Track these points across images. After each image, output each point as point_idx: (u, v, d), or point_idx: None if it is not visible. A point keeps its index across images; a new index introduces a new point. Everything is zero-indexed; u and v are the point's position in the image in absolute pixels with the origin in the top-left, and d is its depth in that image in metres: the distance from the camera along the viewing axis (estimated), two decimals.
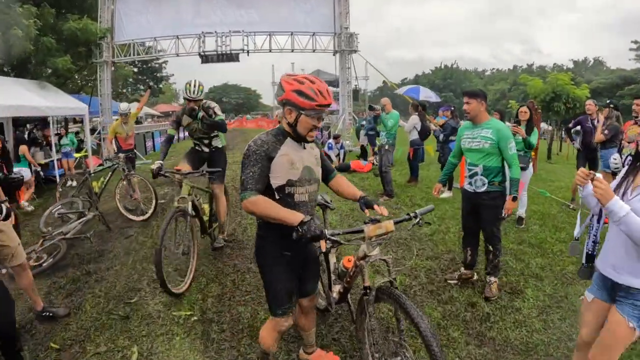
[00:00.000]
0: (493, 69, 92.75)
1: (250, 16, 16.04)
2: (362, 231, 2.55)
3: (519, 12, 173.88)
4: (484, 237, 4.59)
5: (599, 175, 2.26)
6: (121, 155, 7.88)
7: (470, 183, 4.48)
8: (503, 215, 4.34)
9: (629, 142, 5.57)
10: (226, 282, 4.81)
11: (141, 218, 7.53)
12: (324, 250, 2.42)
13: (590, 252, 2.69)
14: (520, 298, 4.40)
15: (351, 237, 2.68)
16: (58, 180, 10.90)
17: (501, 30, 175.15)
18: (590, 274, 2.67)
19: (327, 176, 2.97)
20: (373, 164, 12.62)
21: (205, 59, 16.00)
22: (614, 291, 2.45)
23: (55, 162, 11.58)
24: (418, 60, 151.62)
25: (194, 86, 5.43)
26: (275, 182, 2.56)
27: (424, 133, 10.39)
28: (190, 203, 4.86)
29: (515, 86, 62.08)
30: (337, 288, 3.43)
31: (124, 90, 36.40)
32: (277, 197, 2.57)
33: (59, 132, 13.02)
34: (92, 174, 8.00)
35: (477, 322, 3.98)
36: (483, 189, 4.37)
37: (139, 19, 16.10)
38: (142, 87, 43.02)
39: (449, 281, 4.78)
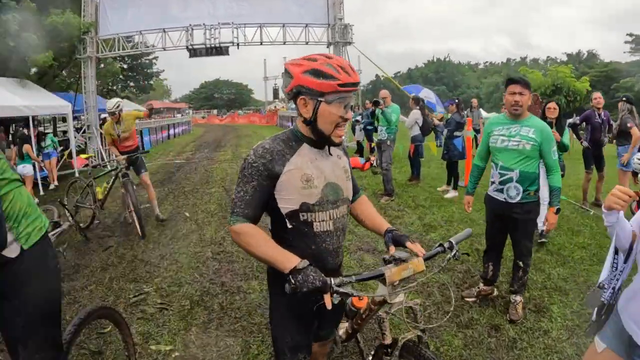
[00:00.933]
0: (486, 62, 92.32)
1: (240, 7, 15.35)
2: (382, 275, 1.85)
3: (508, 6, 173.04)
4: (515, 252, 4.00)
5: None
6: (121, 157, 6.83)
7: (500, 190, 3.79)
8: (542, 231, 3.75)
9: None
10: (213, 305, 4.24)
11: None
12: (329, 307, 1.69)
13: (606, 302, 1.82)
14: (546, 317, 3.87)
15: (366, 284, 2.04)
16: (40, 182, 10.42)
17: (490, 24, 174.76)
18: (601, 327, 1.92)
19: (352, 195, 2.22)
20: (372, 163, 12.13)
21: (194, 52, 15.32)
22: (631, 348, 1.78)
23: (36, 164, 10.92)
24: (407, 53, 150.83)
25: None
26: (285, 206, 1.88)
27: (426, 129, 9.85)
28: None
29: None
30: (344, 326, 2.73)
31: (114, 87, 35.75)
32: (289, 225, 1.90)
33: (43, 131, 12.49)
34: (96, 178, 7.26)
35: (503, 349, 3.44)
36: (517, 199, 3.70)
37: (124, 12, 15.39)
38: (132, 84, 42.34)
39: (467, 299, 4.23)
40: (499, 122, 3.86)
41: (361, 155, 13.79)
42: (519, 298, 3.94)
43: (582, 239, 5.81)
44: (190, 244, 5.09)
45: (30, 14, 12.59)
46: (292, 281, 1.64)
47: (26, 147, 10.23)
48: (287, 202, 1.86)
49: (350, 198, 2.10)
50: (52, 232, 5.68)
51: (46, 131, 12.51)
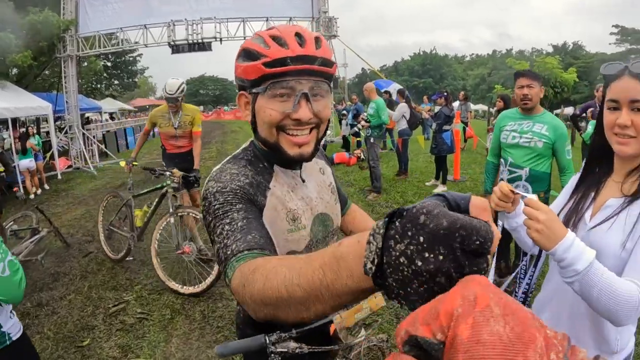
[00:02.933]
0: (472, 54, 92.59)
1: (222, 2, 15.05)
2: (330, 322, 1.30)
3: None
4: (517, 253, 3.96)
5: (532, 196, 1.34)
6: (176, 171, 4.70)
7: None
8: None
9: None
10: (194, 313, 4.08)
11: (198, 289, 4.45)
12: None
13: None
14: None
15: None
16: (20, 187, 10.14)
17: (471, 16, 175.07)
18: None
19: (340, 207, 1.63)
20: (358, 157, 12.01)
21: (176, 48, 14.98)
22: None
23: (17, 167, 10.63)
24: (391, 47, 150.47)
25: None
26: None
27: (413, 122, 9.73)
28: None
29: (495, 71, 62.01)
30: None
31: (98, 86, 35.26)
32: None
33: (25, 132, 12.15)
34: (135, 196, 5.35)
35: None
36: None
37: (104, 9, 15.00)
38: (116, 82, 41.80)
39: None
40: (512, 116, 3.71)
41: (348, 150, 13.65)
42: None
43: None
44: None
45: (8, 13, 12.28)
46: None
47: (29, 142, 10.59)
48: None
49: (338, 224, 1.50)
50: (31, 239, 5.51)
51: (34, 132, 12.17)
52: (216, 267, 4.35)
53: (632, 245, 1.26)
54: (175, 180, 4.64)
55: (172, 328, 3.83)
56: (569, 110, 22.03)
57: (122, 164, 5.47)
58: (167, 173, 4.67)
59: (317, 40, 1.16)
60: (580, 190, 1.49)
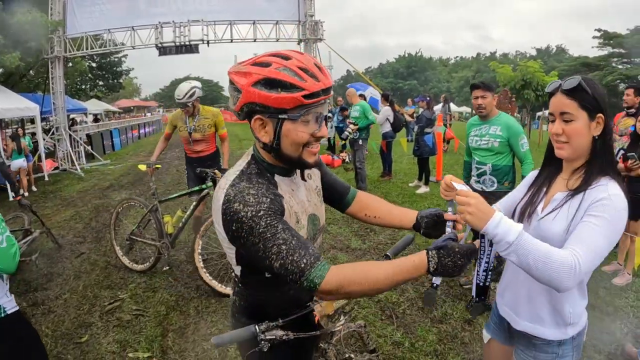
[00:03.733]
0: (457, 56, 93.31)
1: (210, 4, 15.12)
2: (311, 311, 1.66)
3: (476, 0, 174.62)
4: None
5: (463, 187, 1.51)
6: (218, 172, 4.73)
7: (478, 182, 4.19)
8: None
9: (620, 136, 5.20)
10: (189, 309, 4.24)
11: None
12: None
13: (482, 284, 1.70)
14: None
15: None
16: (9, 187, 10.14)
17: (452, 19, 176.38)
18: (485, 308, 1.83)
19: (341, 198, 1.83)
20: (343, 160, 12.22)
21: (163, 50, 15.01)
22: (511, 334, 1.89)
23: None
24: (373, 49, 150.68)
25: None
26: None
27: (397, 125, 9.98)
28: None
29: (479, 73, 62.75)
30: None
31: (83, 87, 34.98)
32: (267, 274, 1.43)
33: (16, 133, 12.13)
34: (161, 201, 5.09)
35: (477, 343, 3.54)
36: (492, 189, 4.09)
37: (92, 10, 14.98)
38: (101, 83, 41.47)
39: (465, 286, 4.48)
40: (474, 124, 4.25)
41: (333, 152, 13.84)
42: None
43: None
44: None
45: None
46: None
47: (22, 142, 10.82)
48: None
49: (324, 222, 1.73)
50: (24, 240, 5.61)
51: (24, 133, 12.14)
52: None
53: (573, 229, 1.50)
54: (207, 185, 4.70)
55: (168, 323, 3.98)
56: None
57: (143, 167, 5.20)
58: (210, 174, 4.65)
59: (323, 69, 1.38)
60: (536, 186, 1.75)
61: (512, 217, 1.78)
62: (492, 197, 3.92)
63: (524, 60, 24.09)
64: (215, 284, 4.47)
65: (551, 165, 1.73)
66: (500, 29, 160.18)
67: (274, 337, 1.47)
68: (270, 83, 1.29)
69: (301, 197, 1.55)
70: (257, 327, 1.45)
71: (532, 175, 1.86)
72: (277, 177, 1.47)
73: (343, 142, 13.42)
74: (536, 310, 1.70)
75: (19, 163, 10.53)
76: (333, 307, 1.74)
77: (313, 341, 1.82)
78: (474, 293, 1.68)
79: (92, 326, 4.01)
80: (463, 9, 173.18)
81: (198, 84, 5.15)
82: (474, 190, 4.00)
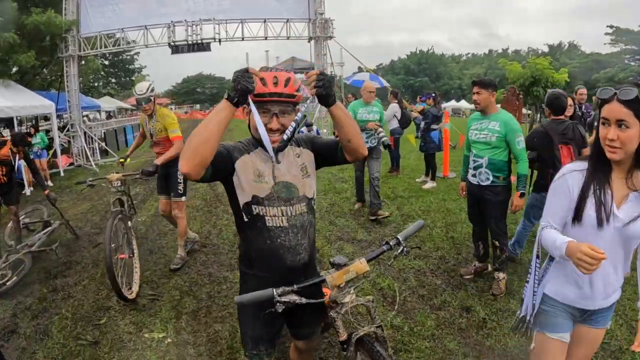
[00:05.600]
0: (468, 53, 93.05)
1: (220, 4, 15.37)
2: (323, 281, 2.00)
3: None
4: (490, 232, 4.46)
5: None
6: (114, 175, 4.77)
7: (474, 175, 4.33)
8: (510, 211, 4.22)
9: None
10: (201, 294, 4.48)
11: None
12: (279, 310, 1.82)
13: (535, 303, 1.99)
14: (516, 299, 4.14)
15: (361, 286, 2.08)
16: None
17: (460, 15, 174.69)
18: (529, 326, 2.12)
19: (335, 151, 2.17)
20: None
21: (176, 49, 15.31)
22: (582, 315, 2.06)
23: (22, 165, 10.90)
24: (377, 47, 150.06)
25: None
26: (240, 197, 2.03)
27: (404, 121, 10.13)
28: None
29: (490, 70, 62.43)
30: None
31: (96, 84, 35.48)
32: (245, 219, 2.04)
33: (28, 130, 12.42)
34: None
35: (473, 329, 3.72)
36: (487, 182, 4.22)
37: (105, 10, 15.32)
38: (114, 81, 41.98)
39: (465, 276, 4.67)
40: (475, 118, 4.38)
41: None
42: (501, 275, 4.34)
43: None
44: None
45: (11, 13, 12.54)
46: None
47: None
48: (241, 194, 2.01)
49: (313, 197, 2.18)
50: (44, 231, 5.88)
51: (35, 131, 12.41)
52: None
53: None
54: (115, 185, 4.73)
55: (182, 307, 4.22)
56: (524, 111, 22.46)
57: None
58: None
59: (288, 80, 1.92)
60: (594, 188, 1.84)
61: (577, 222, 1.89)
62: (487, 192, 4.21)
63: (533, 57, 23.96)
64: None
65: (602, 166, 1.84)
66: (513, 26, 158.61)
67: (288, 300, 1.80)
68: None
69: (278, 167, 2.05)
70: (274, 290, 1.79)
71: (568, 180, 1.91)
72: (259, 149, 2.06)
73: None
74: (619, 279, 1.96)
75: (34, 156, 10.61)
76: (343, 280, 1.99)
77: (322, 309, 2.25)
78: (530, 312, 2.02)
79: (109, 310, 4.24)
80: (475, 5, 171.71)
81: (151, 84, 5.24)
82: (471, 183, 4.19)
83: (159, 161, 4.81)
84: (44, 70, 17.38)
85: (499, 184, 4.17)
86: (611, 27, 53.09)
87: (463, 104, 51.38)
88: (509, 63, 21.34)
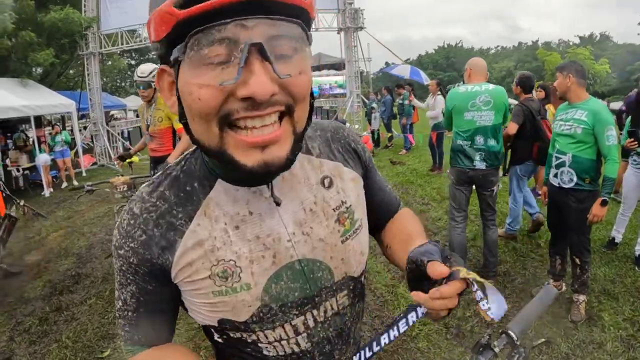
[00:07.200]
0: (497, 46, 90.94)
1: None
2: None
3: None
4: (569, 245, 3.73)
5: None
6: (119, 179, 4.33)
7: (555, 175, 3.61)
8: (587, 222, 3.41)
9: None
10: None
11: None
12: None
13: None
14: (598, 327, 3.41)
15: None
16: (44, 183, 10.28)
17: (484, 9, 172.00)
18: None
19: (380, 222, 1.11)
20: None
21: None
22: None
23: (40, 165, 10.53)
24: (417, 40, 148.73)
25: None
26: (198, 318, 0.87)
27: None
28: None
29: (520, 63, 60.79)
30: None
31: (123, 84, 35.54)
32: (219, 340, 0.92)
33: (51, 131, 12.26)
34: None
35: None
36: (570, 185, 3.47)
37: (123, 5, 14.77)
38: None
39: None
40: (563, 107, 3.72)
41: (377, 146, 13.21)
42: (581, 297, 3.62)
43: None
44: None
45: (29, 11, 12.21)
46: None
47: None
48: (197, 314, 0.87)
49: (362, 272, 0.98)
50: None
51: (60, 130, 12.13)
52: None
53: None
54: (120, 190, 4.23)
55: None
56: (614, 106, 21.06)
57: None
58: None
59: None
60: None
61: None
62: (570, 197, 3.43)
63: (571, 47, 22.95)
64: None
65: None
66: (539, 18, 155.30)
67: None
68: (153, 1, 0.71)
69: (273, 227, 0.83)
70: None
71: None
72: (218, 185, 0.82)
73: (389, 134, 12.83)
74: None
75: (43, 158, 10.50)
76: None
77: None
78: None
79: (115, 338, 3.65)
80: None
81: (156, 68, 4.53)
82: (551, 185, 3.47)
83: (171, 159, 4.08)
84: (69, 70, 17.10)
85: (584, 188, 3.40)
86: None
87: None
88: (547, 54, 20.41)
